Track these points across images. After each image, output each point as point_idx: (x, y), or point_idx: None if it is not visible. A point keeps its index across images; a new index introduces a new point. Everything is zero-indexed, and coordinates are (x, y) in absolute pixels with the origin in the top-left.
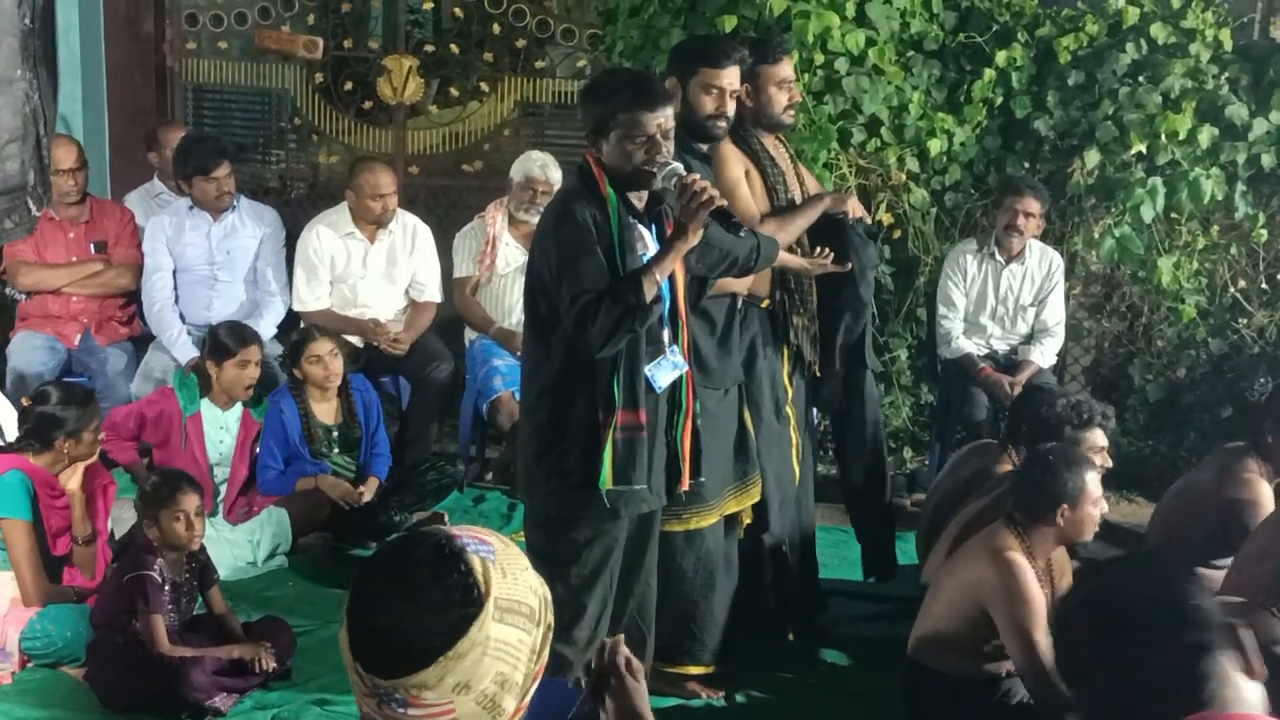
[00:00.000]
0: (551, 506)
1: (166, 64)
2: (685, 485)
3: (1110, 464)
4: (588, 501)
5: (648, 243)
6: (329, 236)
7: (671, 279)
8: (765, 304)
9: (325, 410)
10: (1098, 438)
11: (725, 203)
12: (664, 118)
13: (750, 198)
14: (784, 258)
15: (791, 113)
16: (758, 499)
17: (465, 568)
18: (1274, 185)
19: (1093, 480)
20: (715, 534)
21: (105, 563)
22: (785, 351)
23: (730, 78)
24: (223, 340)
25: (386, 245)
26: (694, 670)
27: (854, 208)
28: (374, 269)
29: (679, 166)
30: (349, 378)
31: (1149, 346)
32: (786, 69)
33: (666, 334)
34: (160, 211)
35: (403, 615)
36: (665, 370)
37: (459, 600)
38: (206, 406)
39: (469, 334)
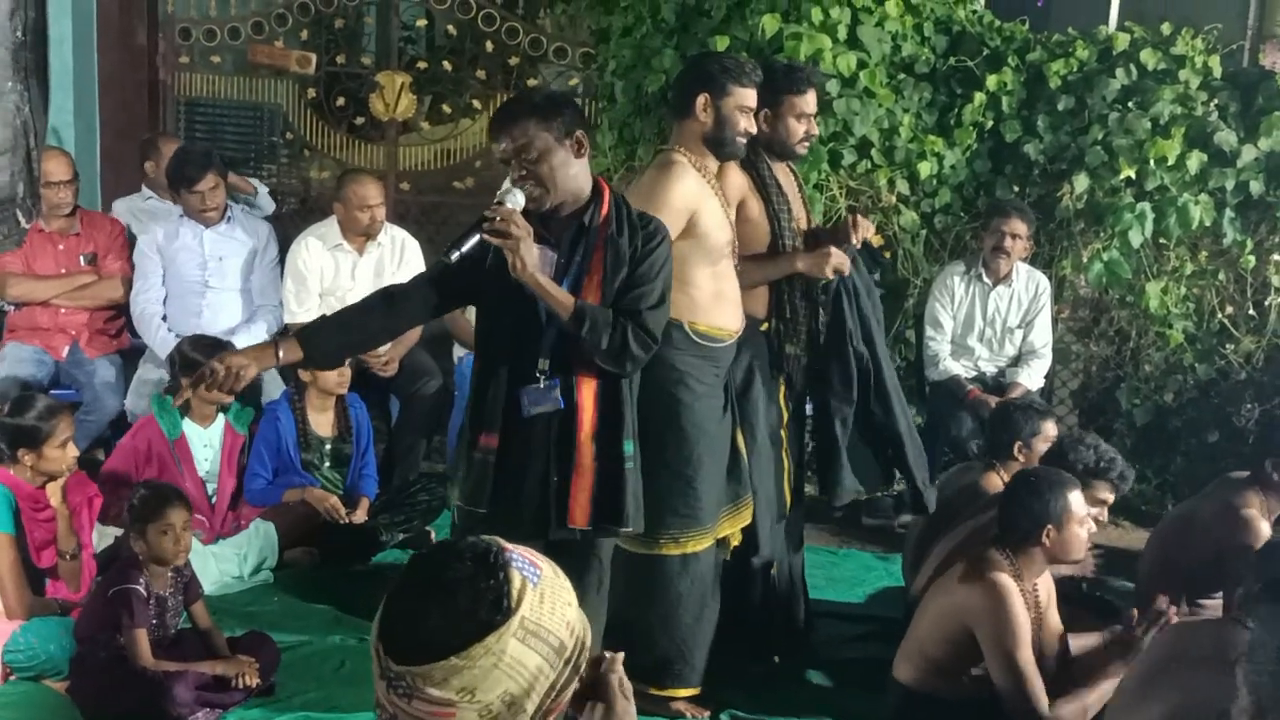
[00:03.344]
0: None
1: (159, 77)
2: (576, 524)
3: (1105, 519)
4: (464, 515)
5: (543, 267)
6: (317, 248)
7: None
8: (765, 326)
9: (322, 422)
10: (1106, 492)
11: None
12: (502, 145)
13: (682, 211)
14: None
15: (805, 145)
16: (749, 521)
17: (503, 578)
18: (1262, 212)
19: (1078, 501)
20: (709, 557)
21: (90, 576)
22: (780, 377)
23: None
24: (191, 355)
25: (375, 258)
26: (683, 693)
27: (865, 229)
28: (362, 281)
29: (514, 194)
30: (343, 395)
31: (1136, 371)
32: (810, 102)
33: (544, 363)
34: (148, 220)
35: (429, 606)
36: (537, 400)
37: (486, 607)
38: (189, 426)
39: (458, 350)
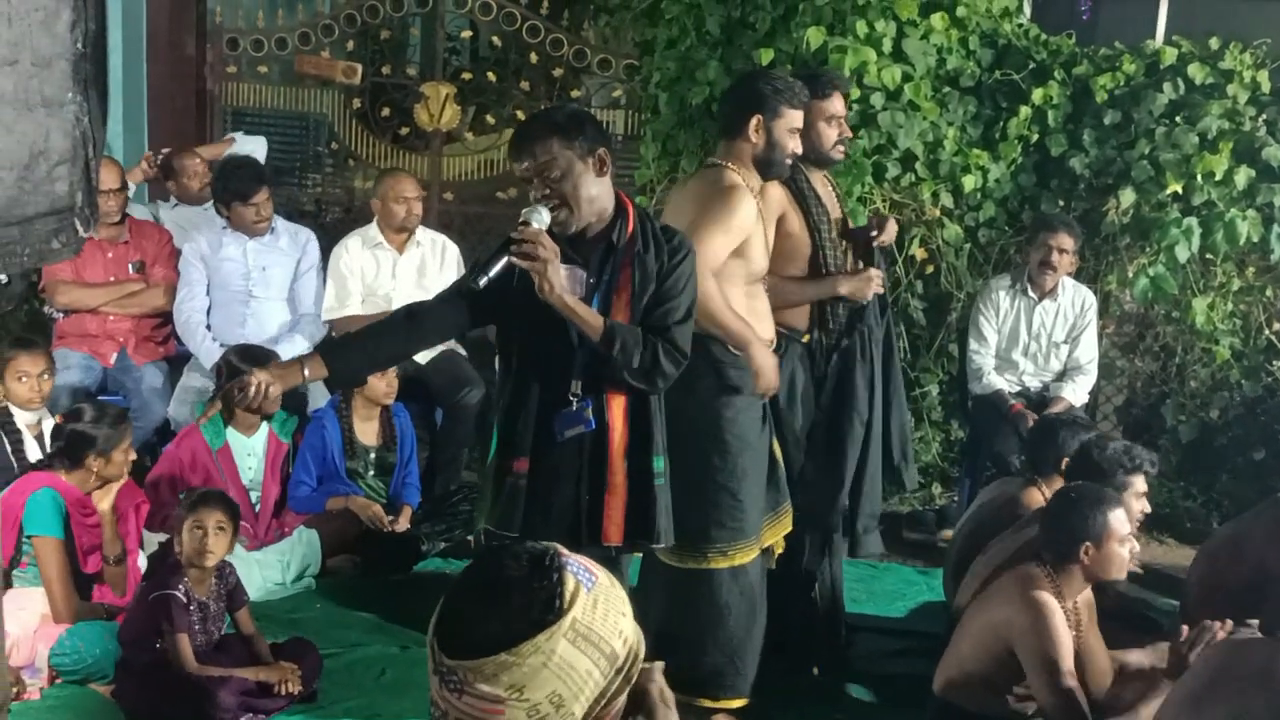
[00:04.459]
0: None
1: (206, 87)
2: (611, 541)
3: (1149, 509)
4: (490, 538)
5: (570, 287)
6: (357, 248)
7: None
8: (805, 339)
9: (367, 431)
10: (1140, 483)
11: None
12: (525, 164)
13: (732, 235)
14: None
15: (841, 148)
16: (790, 529)
17: (556, 580)
18: None
19: (1118, 519)
20: (756, 567)
21: (136, 581)
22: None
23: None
24: (238, 365)
25: (416, 257)
26: (735, 703)
27: (890, 233)
28: (404, 279)
29: (530, 213)
30: (389, 405)
31: (1182, 387)
32: (838, 104)
33: (576, 385)
34: (178, 228)
35: (482, 603)
36: (569, 422)
37: (538, 606)
38: (232, 435)
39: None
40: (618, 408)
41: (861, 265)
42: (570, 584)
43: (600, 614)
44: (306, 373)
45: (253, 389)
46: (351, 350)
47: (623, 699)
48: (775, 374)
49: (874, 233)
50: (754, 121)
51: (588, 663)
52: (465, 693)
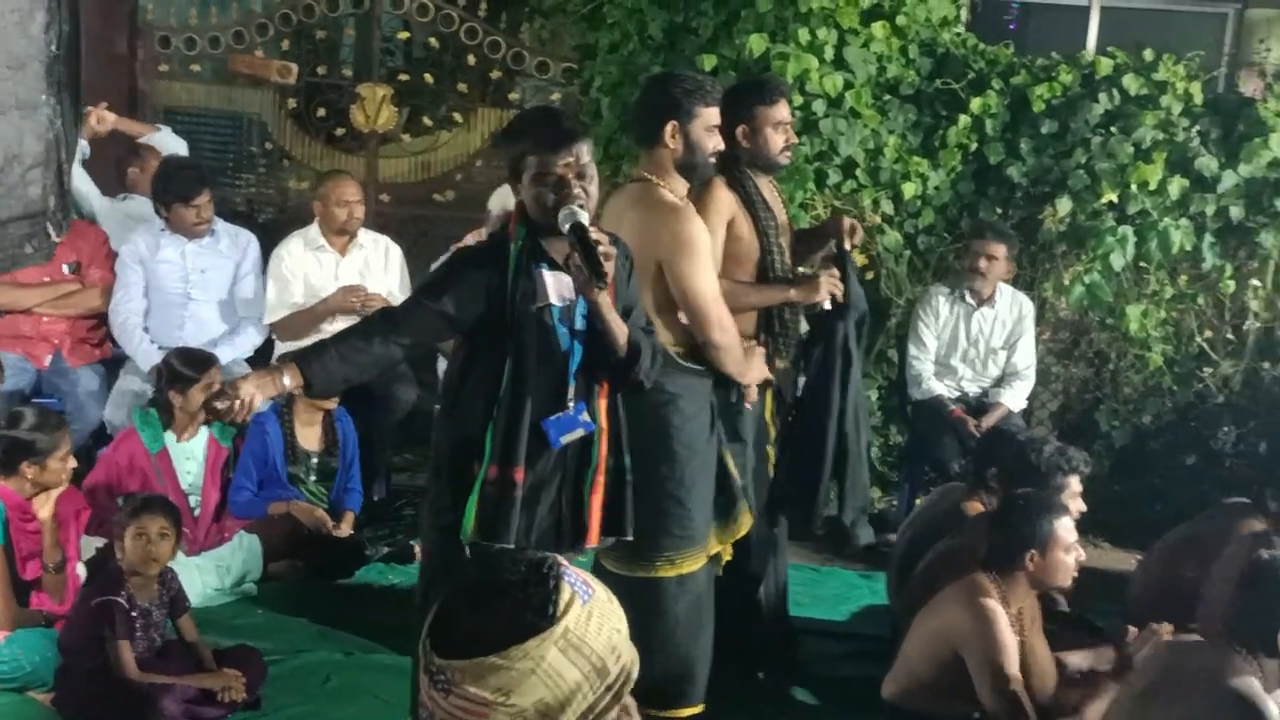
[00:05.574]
0: (433, 540)
1: (138, 86)
2: (592, 542)
3: (1084, 508)
4: (452, 546)
5: (562, 292)
6: (299, 250)
7: (582, 335)
8: (753, 342)
9: (309, 436)
10: (1075, 484)
11: (626, 254)
12: (574, 156)
13: (711, 254)
14: (778, 296)
15: (788, 154)
16: (740, 535)
17: (552, 587)
18: (1241, 237)
19: (1064, 527)
20: (704, 574)
21: (75, 588)
22: (769, 391)
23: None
24: (180, 369)
25: (359, 259)
26: (687, 712)
27: (854, 233)
28: (347, 282)
29: (579, 213)
30: (333, 410)
31: (1116, 393)
32: (783, 111)
33: (572, 390)
34: (125, 220)
35: (477, 604)
36: (567, 427)
37: (531, 611)
38: (171, 439)
39: (443, 364)
40: (602, 409)
41: (823, 268)
42: (566, 593)
43: (594, 627)
44: (286, 382)
45: (239, 403)
46: (329, 357)
47: (612, 716)
48: (758, 366)
49: (844, 237)
50: (669, 128)
51: (577, 674)
52: (452, 693)
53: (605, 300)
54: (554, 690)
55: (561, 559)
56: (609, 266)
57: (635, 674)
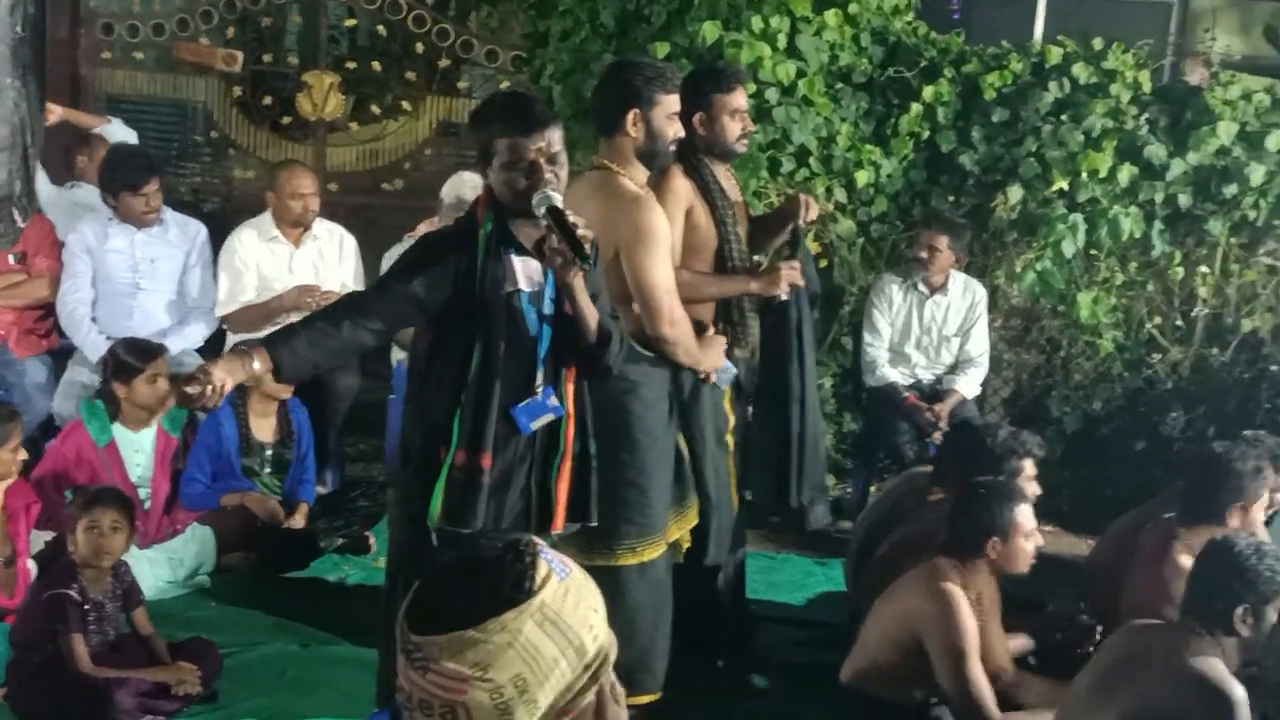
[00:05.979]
0: (401, 528)
1: (80, 73)
2: (558, 528)
3: (1039, 491)
4: (421, 534)
5: (531, 277)
6: (252, 241)
7: (551, 320)
8: (711, 331)
9: (264, 427)
10: (1030, 467)
11: (594, 239)
12: (545, 141)
13: (669, 246)
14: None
15: (745, 142)
16: (696, 522)
17: (529, 563)
18: (1190, 224)
19: (1024, 514)
20: (664, 562)
21: (26, 582)
22: None
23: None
24: (125, 359)
25: (313, 250)
26: (644, 700)
27: (814, 211)
28: (301, 273)
29: (553, 196)
30: (287, 401)
31: (1067, 379)
32: (740, 98)
33: (540, 375)
34: (73, 209)
35: (452, 580)
36: (536, 413)
37: (508, 586)
38: (119, 431)
39: (396, 353)
40: (569, 394)
41: (787, 254)
42: (542, 569)
43: (571, 604)
44: (256, 366)
45: (209, 389)
46: (298, 342)
47: (589, 697)
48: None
49: (799, 215)
50: (630, 116)
51: (554, 650)
52: (430, 670)
53: (579, 284)
54: (531, 665)
55: (537, 539)
56: (586, 249)
57: (614, 655)
